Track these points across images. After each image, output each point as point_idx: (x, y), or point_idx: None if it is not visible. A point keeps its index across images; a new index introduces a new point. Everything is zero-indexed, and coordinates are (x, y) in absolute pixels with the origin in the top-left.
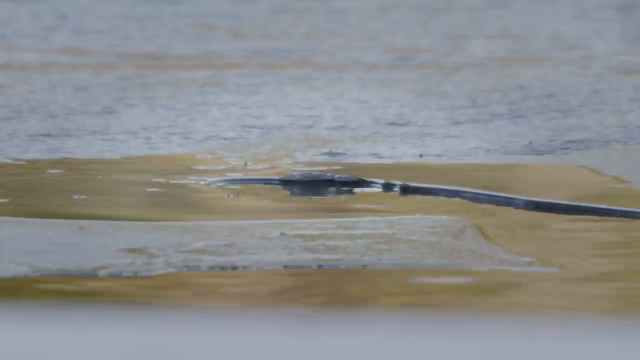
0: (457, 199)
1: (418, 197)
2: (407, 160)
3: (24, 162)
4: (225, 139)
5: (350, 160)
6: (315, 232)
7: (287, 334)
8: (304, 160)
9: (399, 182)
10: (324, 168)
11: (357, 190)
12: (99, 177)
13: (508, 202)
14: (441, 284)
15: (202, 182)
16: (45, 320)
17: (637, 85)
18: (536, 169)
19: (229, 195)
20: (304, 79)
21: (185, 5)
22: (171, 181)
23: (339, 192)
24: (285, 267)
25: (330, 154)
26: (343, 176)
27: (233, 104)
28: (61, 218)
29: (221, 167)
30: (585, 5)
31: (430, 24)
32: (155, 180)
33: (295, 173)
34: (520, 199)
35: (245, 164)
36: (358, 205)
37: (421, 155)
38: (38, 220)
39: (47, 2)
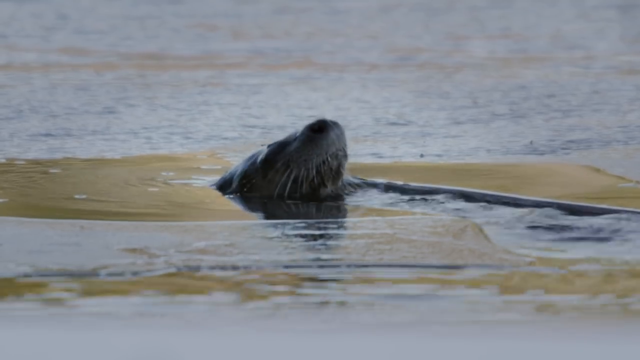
0: None
1: None
2: (407, 160)
3: (24, 162)
4: (226, 138)
5: (351, 160)
6: (316, 232)
7: (287, 333)
8: None
9: None
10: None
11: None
12: (99, 176)
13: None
14: (442, 284)
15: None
16: (45, 320)
17: (638, 85)
18: (541, 169)
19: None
20: (305, 79)
21: (186, 5)
22: (172, 181)
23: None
24: (286, 267)
25: None
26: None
27: (234, 103)
28: (62, 218)
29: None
30: (586, 5)
31: (431, 24)
32: (156, 180)
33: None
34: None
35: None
36: None
37: (422, 155)
38: (38, 220)
39: (47, 2)
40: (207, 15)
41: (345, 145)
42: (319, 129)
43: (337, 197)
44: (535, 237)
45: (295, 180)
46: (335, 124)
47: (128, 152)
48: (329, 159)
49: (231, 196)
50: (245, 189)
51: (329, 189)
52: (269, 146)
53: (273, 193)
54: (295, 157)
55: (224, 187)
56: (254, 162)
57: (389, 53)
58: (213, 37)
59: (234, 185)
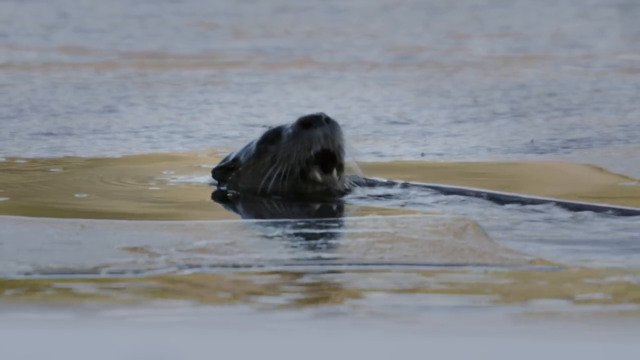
0: None
1: None
2: (408, 159)
3: (25, 161)
4: (226, 137)
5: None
6: (317, 231)
7: (288, 333)
8: None
9: None
10: None
11: None
12: (100, 175)
13: None
14: (442, 283)
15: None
16: (45, 319)
17: (639, 84)
18: (544, 168)
19: None
20: (305, 78)
21: (186, 3)
22: (173, 180)
23: None
24: (287, 265)
25: None
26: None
27: (234, 102)
28: (62, 217)
29: None
30: (587, 3)
31: (432, 22)
32: (156, 179)
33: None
34: None
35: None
36: None
37: (423, 154)
38: (39, 218)
39: (48, 0)
40: (207, 14)
41: (338, 144)
42: (308, 124)
43: (338, 196)
44: (536, 236)
45: (279, 175)
46: (329, 121)
47: (129, 151)
48: (314, 156)
49: (223, 182)
50: (233, 174)
51: (316, 179)
52: (268, 128)
53: (259, 185)
54: (280, 153)
55: (220, 168)
56: (246, 147)
57: (389, 52)
58: (213, 35)
59: (226, 164)
